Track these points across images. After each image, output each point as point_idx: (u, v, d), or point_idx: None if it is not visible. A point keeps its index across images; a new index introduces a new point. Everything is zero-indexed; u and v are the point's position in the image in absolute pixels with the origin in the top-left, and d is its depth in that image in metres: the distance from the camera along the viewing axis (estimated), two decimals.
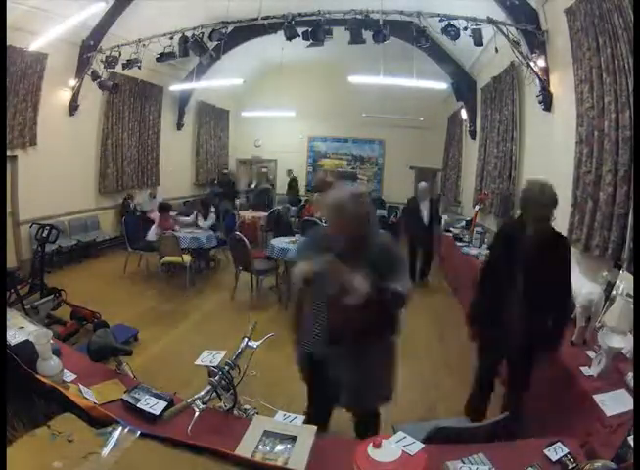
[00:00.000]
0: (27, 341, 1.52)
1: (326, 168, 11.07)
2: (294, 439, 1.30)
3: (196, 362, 1.50)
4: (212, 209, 6.26)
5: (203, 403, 1.38)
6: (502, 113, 5.69)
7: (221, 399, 1.47)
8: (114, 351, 1.75)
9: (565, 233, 3.64)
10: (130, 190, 7.65)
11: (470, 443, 1.39)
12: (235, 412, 1.50)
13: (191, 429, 1.30)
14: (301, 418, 1.41)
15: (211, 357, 1.50)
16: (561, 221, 3.68)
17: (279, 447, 1.28)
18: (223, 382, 1.43)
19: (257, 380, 1.64)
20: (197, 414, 1.34)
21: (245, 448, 1.25)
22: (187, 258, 5.28)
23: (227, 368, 1.46)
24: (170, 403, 1.44)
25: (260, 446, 1.27)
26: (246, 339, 1.58)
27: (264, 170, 11.69)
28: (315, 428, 1.34)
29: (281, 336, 1.77)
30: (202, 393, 1.40)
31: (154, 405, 1.41)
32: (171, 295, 5.04)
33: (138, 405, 1.41)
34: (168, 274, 5.60)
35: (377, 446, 1.11)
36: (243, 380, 1.51)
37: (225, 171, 10.31)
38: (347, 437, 1.90)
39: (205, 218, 6.05)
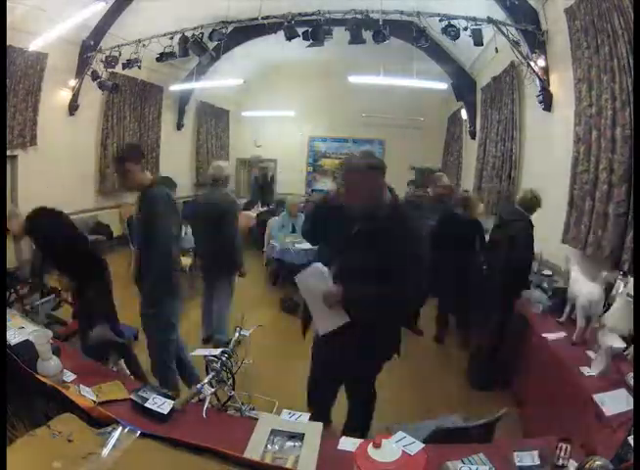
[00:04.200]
0: (27, 341, 1.53)
1: (326, 168, 11.12)
2: (301, 436, 1.31)
3: (193, 353, 1.55)
4: None
5: (211, 387, 1.43)
6: (502, 113, 5.69)
7: (217, 395, 1.52)
8: (113, 345, 1.77)
9: (560, 232, 3.65)
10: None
11: (470, 441, 1.40)
12: (231, 411, 1.52)
13: (205, 413, 1.37)
14: (307, 415, 1.43)
15: (207, 351, 1.56)
16: (557, 220, 3.71)
17: (288, 445, 1.29)
18: (223, 369, 1.49)
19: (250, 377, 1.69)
20: (208, 398, 1.40)
21: (254, 449, 1.26)
22: (187, 261, 5.21)
23: (226, 356, 1.52)
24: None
25: (269, 446, 1.29)
26: (238, 328, 1.71)
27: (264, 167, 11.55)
28: (322, 425, 1.36)
29: (280, 335, 1.78)
30: (208, 378, 1.45)
31: (162, 405, 1.40)
32: None
33: (146, 405, 1.40)
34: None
35: (377, 445, 1.11)
36: (240, 370, 1.59)
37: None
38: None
39: None
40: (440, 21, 4.61)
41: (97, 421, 1.25)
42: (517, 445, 1.39)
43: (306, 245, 5.12)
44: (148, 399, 1.42)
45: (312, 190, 10.86)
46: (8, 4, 3.31)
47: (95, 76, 6.11)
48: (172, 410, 1.39)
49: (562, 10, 3.76)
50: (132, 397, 1.45)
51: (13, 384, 1.24)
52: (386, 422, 2.06)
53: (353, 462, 1.09)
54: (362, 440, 1.24)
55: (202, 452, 1.16)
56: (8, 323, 1.72)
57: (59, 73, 5.87)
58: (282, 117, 9.95)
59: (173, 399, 1.43)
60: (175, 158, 9.09)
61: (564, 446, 1.25)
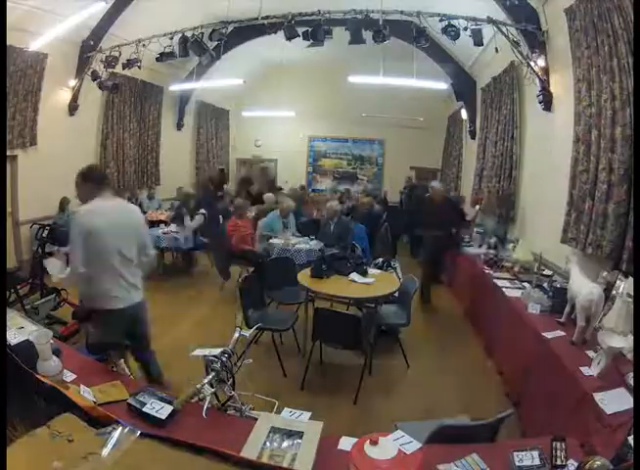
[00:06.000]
0: (27, 341, 1.53)
1: (326, 168, 11.14)
2: (300, 434, 1.31)
3: (193, 353, 1.54)
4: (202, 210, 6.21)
5: (211, 387, 1.42)
6: (502, 112, 5.69)
7: (217, 395, 1.51)
8: (112, 344, 1.77)
9: (559, 232, 3.66)
10: (132, 190, 7.66)
11: (473, 440, 1.40)
12: (231, 411, 1.52)
13: (205, 413, 1.36)
14: (307, 414, 1.43)
15: (207, 351, 1.54)
16: (557, 220, 3.71)
17: (286, 443, 1.29)
18: (223, 369, 1.47)
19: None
20: (208, 398, 1.38)
21: (253, 446, 1.26)
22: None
23: (226, 356, 1.51)
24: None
25: (268, 443, 1.29)
26: (238, 329, 1.69)
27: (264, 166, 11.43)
28: (321, 424, 1.36)
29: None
30: (208, 378, 1.43)
31: (160, 409, 1.39)
32: (170, 294, 5.03)
33: (144, 409, 1.39)
34: (167, 273, 5.60)
35: (374, 443, 1.11)
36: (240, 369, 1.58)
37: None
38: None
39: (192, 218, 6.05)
40: (440, 21, 4.61)
41: (97, 421, 1.25)
42: (517, 445, 1.39)
43: (306, 245, 5.13)
44: (146, 404, 1.41)
45: (312, 190, 10.89)
46: (8, 4, 3.31)
47: (95, 76, 6.11)
48: (172, 414, 1.38)
49: (562, 10, 3.75)
50: (129, 401, 1.43)
51: (13, 384, 1.24)
52: (387, 421, 2.06)
53: (349, 458, 1.09)
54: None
55: (202, 452, 1.16)
56: (8, 323, 1.72)
57: (59, 73, 5.87)
58: (282, 117, 9.95)
59: (171, 403, 1.42)
60: (175, 158, 9.09)
61: (558, 444, 1.25)
